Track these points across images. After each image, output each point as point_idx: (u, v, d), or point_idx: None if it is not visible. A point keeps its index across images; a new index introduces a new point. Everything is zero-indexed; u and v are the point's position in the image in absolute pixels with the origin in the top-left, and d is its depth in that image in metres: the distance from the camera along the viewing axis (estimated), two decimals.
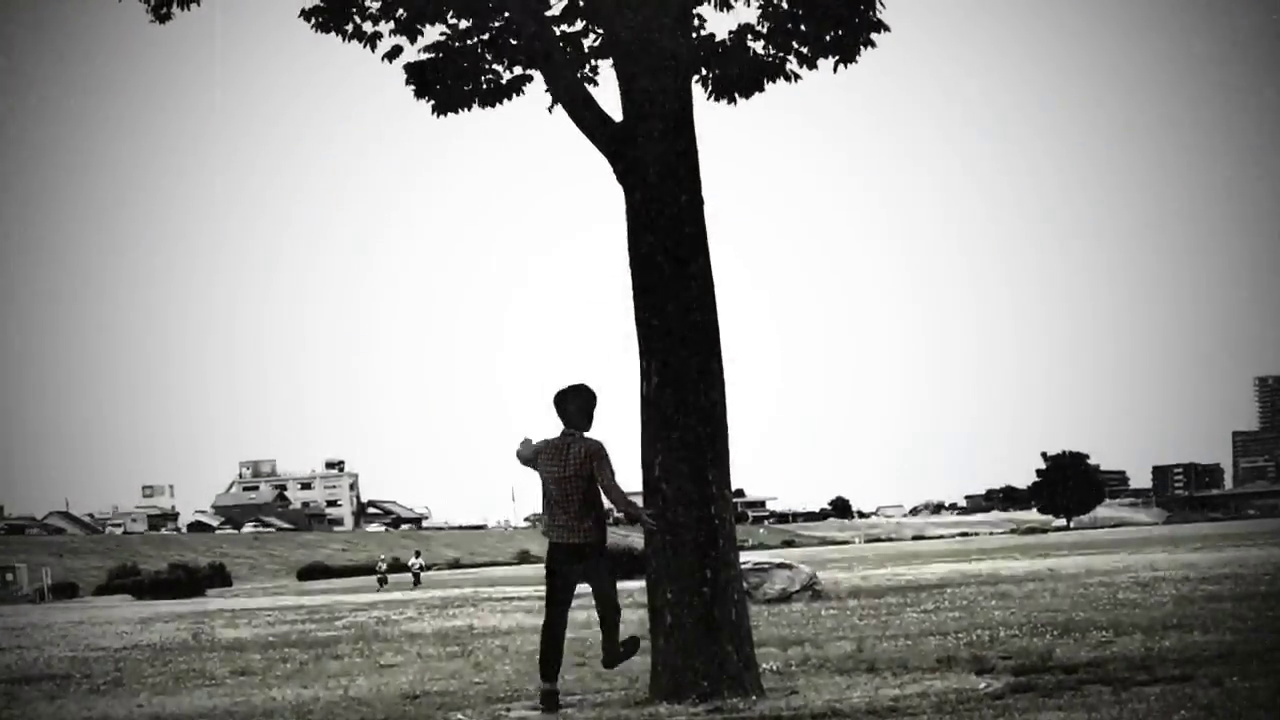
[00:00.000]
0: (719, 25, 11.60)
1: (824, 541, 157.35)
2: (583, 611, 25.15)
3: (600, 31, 11.59)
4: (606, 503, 11.15)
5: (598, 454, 10.89)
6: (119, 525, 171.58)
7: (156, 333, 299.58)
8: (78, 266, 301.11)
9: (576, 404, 11.00)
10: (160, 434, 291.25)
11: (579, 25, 11.68)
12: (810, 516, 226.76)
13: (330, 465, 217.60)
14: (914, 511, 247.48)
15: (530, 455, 11.08)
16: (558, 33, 11.60)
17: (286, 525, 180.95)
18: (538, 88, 11.76)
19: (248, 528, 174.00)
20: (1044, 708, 9.49)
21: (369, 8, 11.55)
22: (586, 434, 11.02)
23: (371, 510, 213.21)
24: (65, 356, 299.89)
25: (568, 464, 10.93)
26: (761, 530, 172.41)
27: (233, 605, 42.55)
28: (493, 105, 11.89)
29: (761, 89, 11.72)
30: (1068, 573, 29.46)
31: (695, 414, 11.01)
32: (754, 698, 10.68)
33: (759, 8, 11.48)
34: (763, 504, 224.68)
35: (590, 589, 11.10)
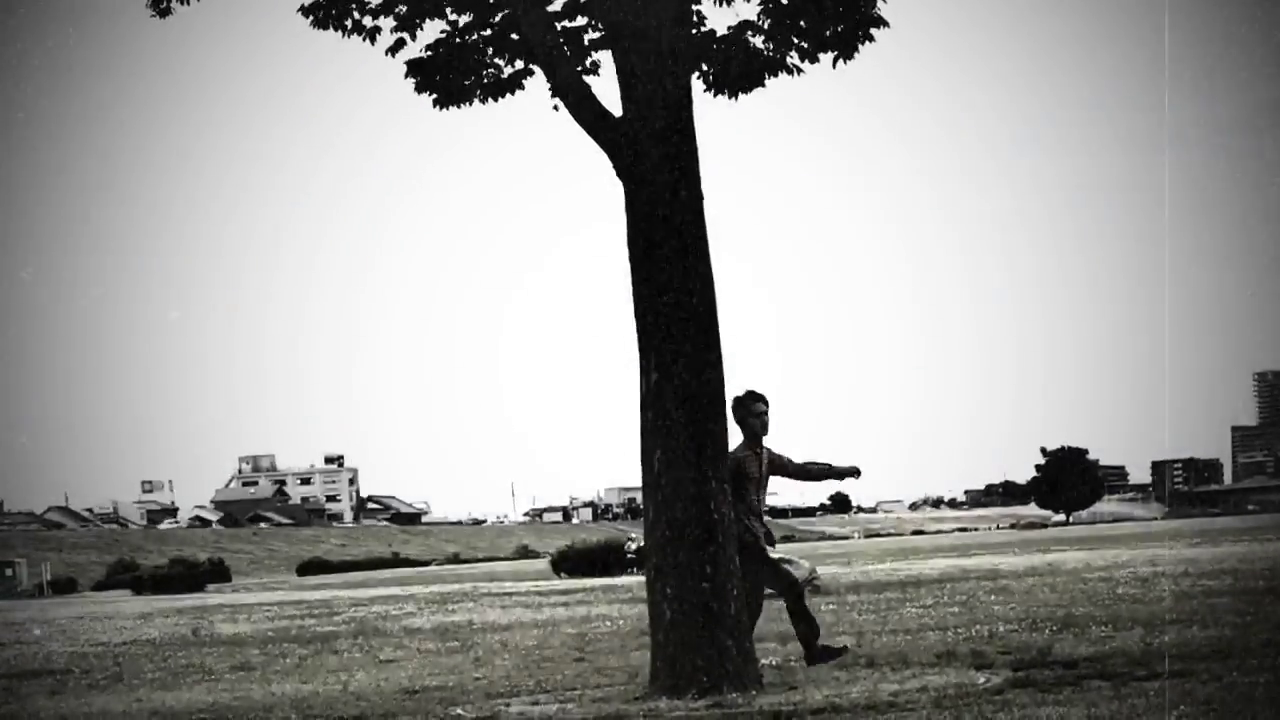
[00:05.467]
0: (719, 21, 11.62)
1: (823, 536, 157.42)
2: (582, 607, 25.18)
3: (600, 27, 11.60)
4: None
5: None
6: (115, 523, 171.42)
7: (155, 327, 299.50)
8: (77, 261, 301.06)
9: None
10: (160, 429, 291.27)
11: (579, 20, 11.68)
12: (809, 511, 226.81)
13: (329, 460, 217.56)
14: (913, 506, 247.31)
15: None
16: (558, 28, 11.61)
17: (286, 520, 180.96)
18: (538, 83, 11.78)
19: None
20: (1043, 703, 9.50)
21: (368, 3, 11.55)
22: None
23: (371, 505, 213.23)
24: (65, 351, 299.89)
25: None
26: None
27: (232, 600, 42.57)
28: (494, 100, 11.91)
29: (761, 84, 11.73)
30: (1067, 568, 29.46)
31: (694, 409, 11.02)
32: (753, 692, 10.69)
33: (759, 3, 11.49)
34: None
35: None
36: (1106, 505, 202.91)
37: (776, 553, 11.63)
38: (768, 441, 11.65)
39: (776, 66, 11.67)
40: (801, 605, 11.54)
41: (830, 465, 11.87)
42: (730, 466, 11.32)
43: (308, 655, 18.27)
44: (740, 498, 11.40)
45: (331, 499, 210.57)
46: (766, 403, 11.59)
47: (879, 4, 11.43)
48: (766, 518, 11.75)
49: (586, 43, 11.74)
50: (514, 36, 11.65)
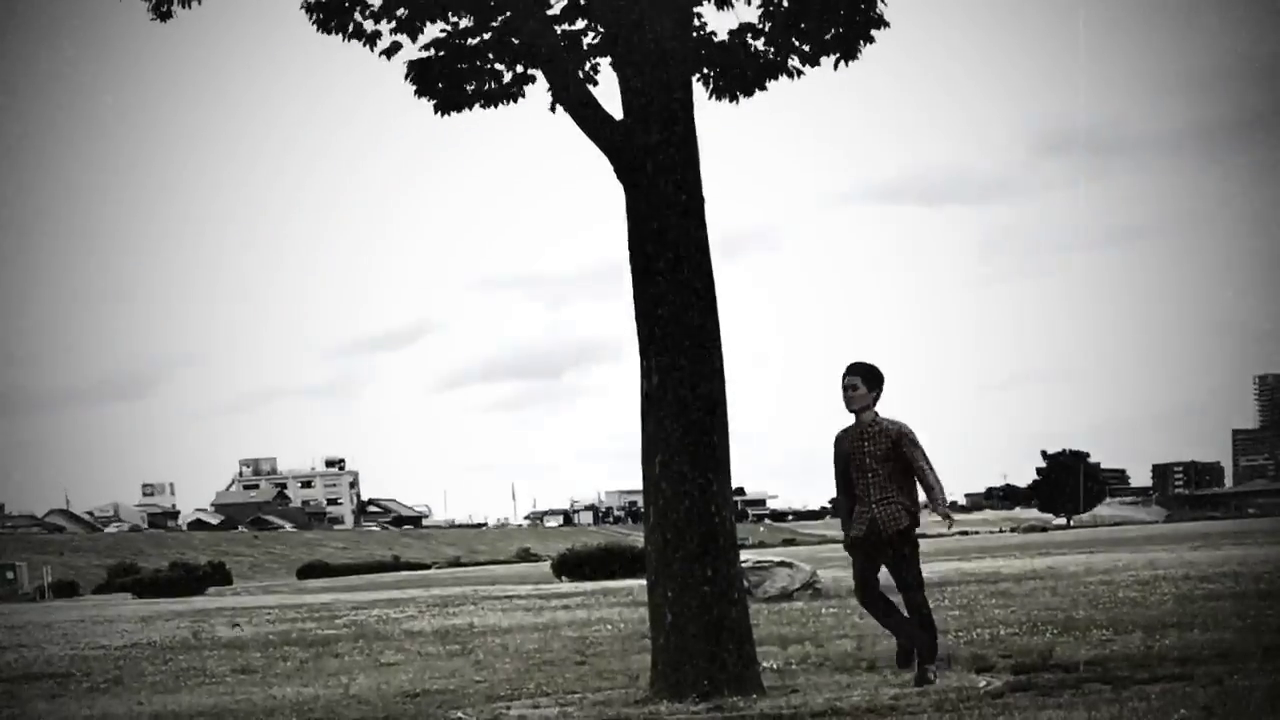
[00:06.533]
0: (719, 24, 11.62)
1: (824, 540, 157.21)
2: (583, 611, 25.16)
3: (601, 30, 11.60)
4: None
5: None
6: (119, 524, 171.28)
7: (156, 330, 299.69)
8: (76, 262, 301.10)
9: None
10: (161, 432, 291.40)
11: (580, 24, 11.69)
12: (810, 515, 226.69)
13: (330, 463, 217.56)
14: None
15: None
16: (558, 31, 11.61)
17: (287, 524, 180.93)
18: (538, 86, 11.78)
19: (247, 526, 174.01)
20: (1044, 706, 9.50)
21: (370, 4, 11.55)
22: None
23: (372, 509, 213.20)
24: (65, 353, 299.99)
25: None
26: (761, 528, 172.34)
27: (233, 603, 42.53)
28: (495, 105, 11.90)
29: (763, 87, 11.73)
30: (1068, 571, 29.43)
31: (695, 412, 11.02)
32: (754, 696, 10.68)
33: (759, 6, 11.50)
34: (762, 502, 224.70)
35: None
36: (1107, 508, 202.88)
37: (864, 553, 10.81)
38: (896, 417, 10.78)
39: (778, 69, 11.67)
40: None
41: (935, 492, 10.83)
42: (835, 448, 10.89)
43: (309, 658, 18.27)
44: (846, 481, 10.84)
45: (332, 502, 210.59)
46: (855, 374, 10.73)
47: (880, 4, 11.42)
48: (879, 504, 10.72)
49: (586, 47, 11.75)
50: (514, 40, 11.65)
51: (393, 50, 11.64)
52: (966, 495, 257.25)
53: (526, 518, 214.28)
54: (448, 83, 11.77)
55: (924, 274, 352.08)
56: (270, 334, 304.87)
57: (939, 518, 10.90)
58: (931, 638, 10.82)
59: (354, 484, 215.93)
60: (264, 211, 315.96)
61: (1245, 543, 41.62)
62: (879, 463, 10.74)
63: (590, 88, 11.57)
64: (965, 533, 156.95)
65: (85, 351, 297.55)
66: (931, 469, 10.78)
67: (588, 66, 11.77)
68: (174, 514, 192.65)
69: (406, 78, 11.79)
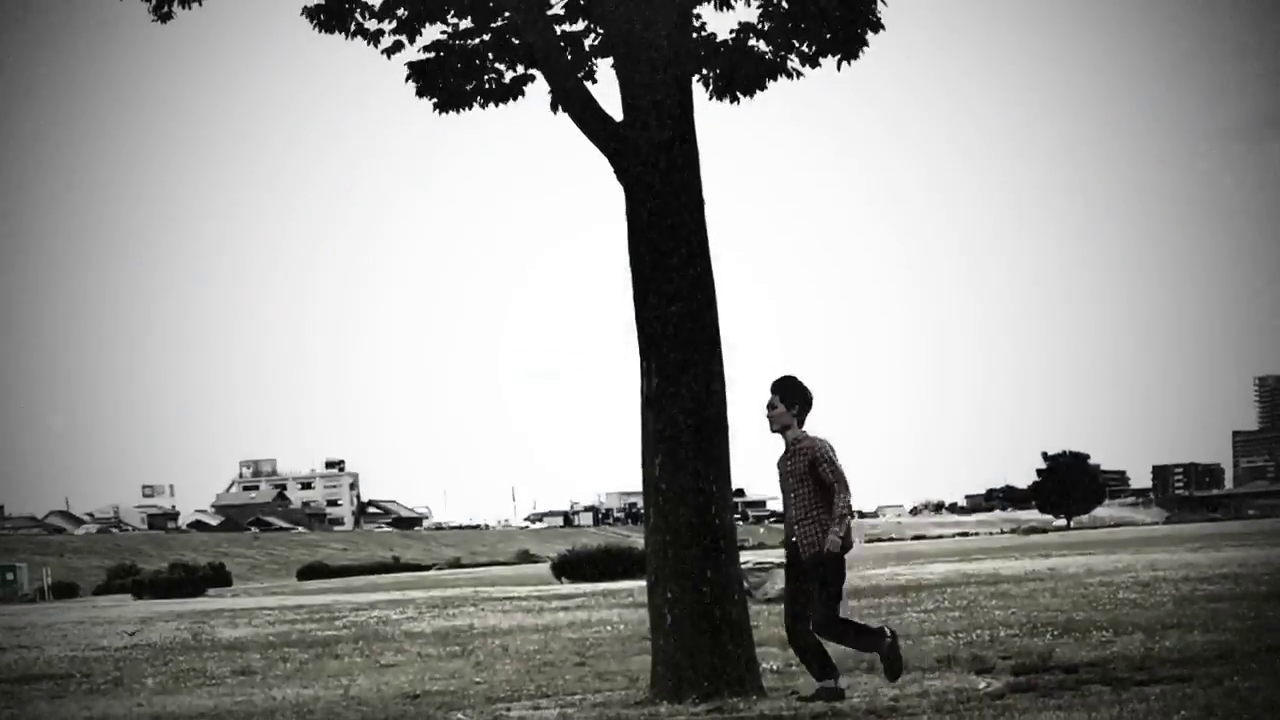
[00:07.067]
0: (719, 24, 11.64)
1: None
2: (583, 612, 25.16)
3: (601, 31, 11.61)
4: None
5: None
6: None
7: (156, 331, 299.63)
8: (76, 264, 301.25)
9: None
10: (161, 433, 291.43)
11: (580, 25, 11.70)
12: None
13: (330, 465, 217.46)
14: (914, 511, 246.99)
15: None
16: (558, 32, 11.62)
17: (287, 525, 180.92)
18: (539, 87, 11.79)
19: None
20: (1044, 707, 9.50)
21: (370, 5, 11.57)
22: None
23: (372, 510, 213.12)
24: (65, 355, 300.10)
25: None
26: (762, 529, 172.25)
27: (233, 605, 42.51)
28: (495, 104, 11.92)
29: (763, 88, 11.73)
30: (1068, 572, 29.42)
31: (695, 413, 11.02)
32: (754, 697, 10.69)
33: (759, 7, 11.50)
34: (763, 503, 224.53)
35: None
36: (1107, 510, 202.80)
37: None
38: (823, 434, 10.45)
39: (778, 69, 11.67)
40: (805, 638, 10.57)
41: (836, 512, 10.30)
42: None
43: (308, 659, 18.27)
44: None
45: (332, 503, 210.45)
46: (774, 392, 10.47)
47: (879, 6, 11.42)
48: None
49: (587, 48, 11.76)
50: (514, 41, 11.66)
51: (395, 49, 11.67)
52: (967, 496, 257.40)
53: (526, 519, 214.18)
54: (448, 83, 11.78)
55: (925, 273, 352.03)
56: (271, 334, 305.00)
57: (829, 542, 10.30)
58: (868, 635, 10.51)
59: (354, 485, 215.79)
60: (264, 211, 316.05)
61: (1245, 544, 41.60)
62: (799, 481, 10.42)
63: (590, 88, 11.58)
64: (965, 534, 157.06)
65: (85, 351, 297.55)
66: (844, 490, 10.33)
67: (588, 67, 11.78)
68: (174, 515, 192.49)
69: (407, 78, 11.81)
